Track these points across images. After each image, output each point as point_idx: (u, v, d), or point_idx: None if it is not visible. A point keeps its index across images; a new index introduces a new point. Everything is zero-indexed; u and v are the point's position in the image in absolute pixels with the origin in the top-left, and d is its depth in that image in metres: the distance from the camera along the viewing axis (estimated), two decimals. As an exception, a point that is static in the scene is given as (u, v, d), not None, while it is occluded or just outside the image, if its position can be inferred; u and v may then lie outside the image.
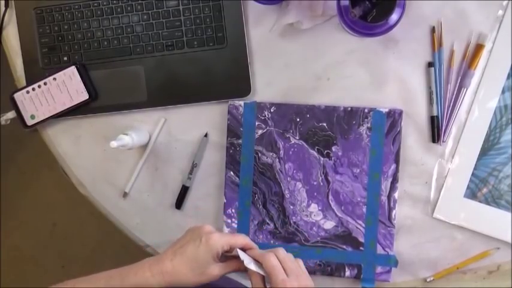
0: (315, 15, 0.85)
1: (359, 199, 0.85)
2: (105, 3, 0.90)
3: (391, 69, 0.86)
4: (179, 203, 0.91)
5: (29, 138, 1.69)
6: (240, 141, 0.88)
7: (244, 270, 0.67)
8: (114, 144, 0.80)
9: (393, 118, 0.84)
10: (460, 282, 0.85)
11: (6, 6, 0.93)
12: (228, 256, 0.69)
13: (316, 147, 0.86)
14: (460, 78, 0.84)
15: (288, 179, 0.87)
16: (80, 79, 0.90)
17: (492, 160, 0.84)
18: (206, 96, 0.90)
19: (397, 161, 0.84)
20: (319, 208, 0.86)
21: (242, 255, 0.67)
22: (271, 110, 0.87)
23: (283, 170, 0.87)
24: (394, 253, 0.85)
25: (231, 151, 0.88)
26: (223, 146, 0.89)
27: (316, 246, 0.86)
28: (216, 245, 0.66)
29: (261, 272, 0.66)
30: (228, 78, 0.89)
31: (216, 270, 0.67)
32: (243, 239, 0.68)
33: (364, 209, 0.85)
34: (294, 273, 0.65)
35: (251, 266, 0.66)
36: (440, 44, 0.84)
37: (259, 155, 0.87)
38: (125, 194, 0.92)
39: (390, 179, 0.85)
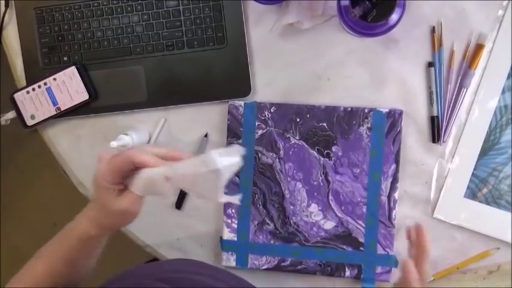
0: (315, 15, 0.85)
1: (359, 199, 0.85)
2: (105, 3, 0.90)
3: (391, 69, 0.86)
4: (179, 203, 0.91)
5: (29, 138, 1.69)
6: (240, 141, 0.88)
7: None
8: (114, 144, 0.80)
9: (393, 118, 0.84)
10: (460, 282, 0.85)
11: (6, 6, 0.93)
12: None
13: (316, 147, 0.86)
14: (460, 78, 0.84)
15: (288, 179, 0.87)
16: (80, 79, 0.90)
17: (492, 160, 0.84)
18: (206, 96, 0.90)
19: (397, 161, 0.84)
20: (319, 208, 0.86)
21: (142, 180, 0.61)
22: (271, 110, 0.87)
23: (283, 170, 0.87)
24: (394, 253, 0.85)
25: (231, 151, 0.88)
26: (223, 146, 0.89)
27: (316, 246, 0.86)
28: (98, 179, 0.61)
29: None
30: (228, 78, 0.89)
31: (123, 202, 0.62)
32: (138, 157, 0.60)
33: (364, 209, 0.85)
34: None
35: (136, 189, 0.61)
36: (440, 44, 0.84)
37: (259, 155, 0.87)
38: (125, 194, 0.92)
39: (390, 179, 0.85)
